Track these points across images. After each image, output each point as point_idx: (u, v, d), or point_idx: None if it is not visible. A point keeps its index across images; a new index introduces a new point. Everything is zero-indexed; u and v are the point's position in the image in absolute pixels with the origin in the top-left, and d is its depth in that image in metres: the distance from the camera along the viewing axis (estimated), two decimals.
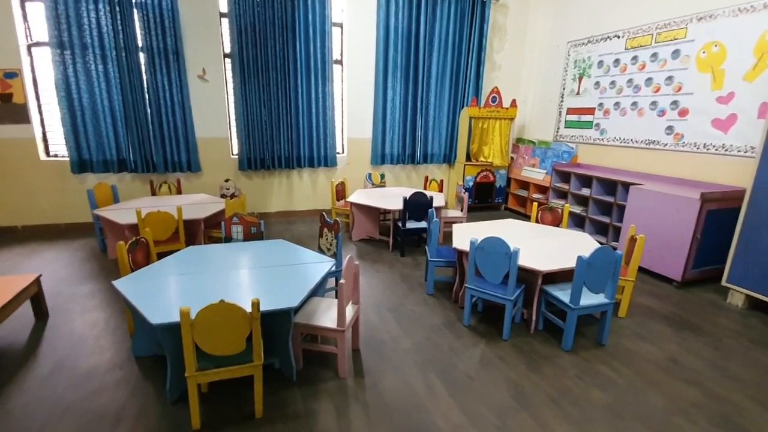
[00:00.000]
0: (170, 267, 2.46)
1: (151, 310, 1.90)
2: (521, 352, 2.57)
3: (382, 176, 5.62)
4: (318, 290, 2.64)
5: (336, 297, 3.02)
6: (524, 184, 6.46)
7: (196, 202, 4.22)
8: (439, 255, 3.34)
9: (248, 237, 3.17)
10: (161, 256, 3.19)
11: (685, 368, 2.47)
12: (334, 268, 2.68)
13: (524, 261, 2.69)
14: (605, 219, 4.77)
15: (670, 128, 4.46)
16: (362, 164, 6.05)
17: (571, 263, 2.70)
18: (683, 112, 4.31)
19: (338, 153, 5.93)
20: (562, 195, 5.50)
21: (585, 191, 5.09)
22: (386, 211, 5.01)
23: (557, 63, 6.03)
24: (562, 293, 2.67)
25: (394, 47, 5.70)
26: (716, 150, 4.03)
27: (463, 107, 6.29)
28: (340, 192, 5.20)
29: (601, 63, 5.29)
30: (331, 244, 3.04)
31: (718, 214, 3.61)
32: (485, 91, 6.41)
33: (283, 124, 5.35)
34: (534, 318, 2.80)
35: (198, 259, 2.61)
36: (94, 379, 2.19)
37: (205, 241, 3.84)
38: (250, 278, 2.32)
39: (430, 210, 3.41)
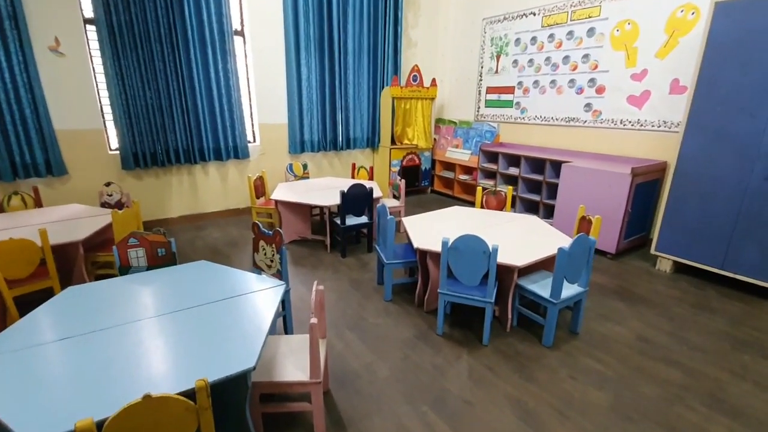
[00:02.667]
0: (43, 327, 1.66)
1: (19, 418, 1.18)
2: (506, 357, 2.33)
3: (305, 166, 5.00)
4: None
5: (287, 330, 2.45)
6: (449, 166, 6.36)
7: (68, 217, 3.18)
8: (395, 255, 2.95)
9: (154, 262, 2.40)
10: (23, 304, 2.29)
11: (656, 346, 2.48)
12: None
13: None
14: (535, 197, 4.85)
15: (588, 105, 4.63)
16: (279, 154, 5.32)
17: (539, 252, 2.53)
18: (600, 90, 4.49)
19: (250, 142, 5.11)
20: (491, 175, 5.50)
21: (513, 170, 5.12)
22: (316, 207, 4.44)
23: (473, 40, 5.93)
24: (538, 287, 2.49)
25: (304, 17, 5.00)
26: (632, 125, 4.26)
27: (383, 87, 5.89)
28: (260, 188, 4.47)
29: (518, 41, 5.30)
30: (272, 260, 2.44)
31: (643, 187, 3.81)
32: (404, 69, 6.08)
33: (176, 109, 4.36)
34: (510, 316, 2.60)
35: (86, 308, 1.82)
36: None
37: (88, 272, 2.89)
38: (175, 330, 1.65)
39: (380, 205, 2.99)
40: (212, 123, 4.67)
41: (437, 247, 2.57)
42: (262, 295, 1.97)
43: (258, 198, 4.42)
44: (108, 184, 3.69)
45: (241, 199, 5.14)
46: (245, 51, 4.90)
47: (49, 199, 3.95)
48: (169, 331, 1.64)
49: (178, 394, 1.16)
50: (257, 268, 2.57)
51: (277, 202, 3.98)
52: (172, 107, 4.33)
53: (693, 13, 3.65)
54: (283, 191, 4.15)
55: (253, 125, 5.15)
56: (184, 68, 4.31)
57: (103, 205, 3.65)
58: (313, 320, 1.58)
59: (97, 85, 4.07)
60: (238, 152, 4.91)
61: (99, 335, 1.61)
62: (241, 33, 4.82)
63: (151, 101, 4.19)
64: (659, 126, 4.04)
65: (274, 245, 2.41)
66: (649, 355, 2.39)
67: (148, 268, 2.35)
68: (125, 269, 2.31)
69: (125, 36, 3.94)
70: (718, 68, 3.07)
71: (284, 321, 2.44)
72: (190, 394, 1.22)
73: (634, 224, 3.93)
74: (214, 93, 4.57)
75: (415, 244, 2.67)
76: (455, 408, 1.93)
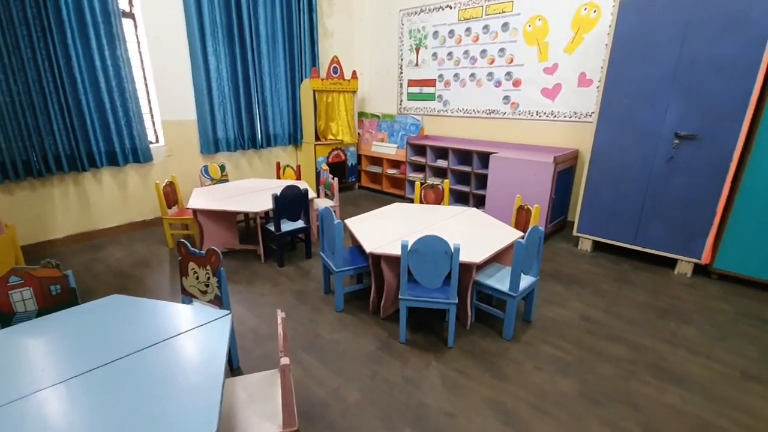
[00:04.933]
0: None
1: None
2: (474, 357, 2.29)
3: (222, 168, 4.48)
4: None
5: (232, 365, 2.10)
6: (376, 160, 6.25)
7: None
8: (344, 262, 2.74)
9: (47, 304, 1.88)
10: None
11: (598, 324, 2.64)
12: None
13: None
14: (464, 188, 4.97)
15: (507, 98, 4.84)
16: (190, 155, 4.69)
17: (492, 246, 2.53)
18: (517, 83, 4.71)
19: (152, 143, 4.41)
20: (419, 168, 5.51)
21: (441, 163, 5.18)
22: (241, 213, 3.99)
23: (392, 32, 5.85)
24: (496, 281, 2.49)
25: None
26: (547, 116, 4.55)
27: (302, 79, 5.53)
28: (170, 195, 3.88)
29: (436, 34, 5.34)
30: (207, 285, 2.07)
31: (562, 174, 4.09)
32: (322, 60, 5.78)
33: (53, 106, 3.56)
34: (469, 313, 2.56)
35: None
36: None
37: None
38: (93, 398, 1.26)
39: (324, 208, 2.73)
40: (102, 122, 3.91)
41: (392, 250, 2.43)
42: (205, 330, 1.64)
43: (170, 207, 3.84)
44: None
45: (147, 209, 4.43)
46: (137, 36, 4.18)
47: None
48: (84, 400, 1.25)
49: None
50: (187, 296, 2.17)
51: (195, 211, 3.47)
52: (48, 104, 3.51)
53: (595, 12, 3.97)
54: (202, 198, 3.65)
55: (154, 123, 4.45)
56: (61, 56, 3.52)
57: None
58: (285, 360, 1.32)
59: None
60: (139, 155, 4.20)
61: None
62: (130, 15, 4.10)
63: (18, 98, 3.34)
64: (570, 117, 4.36)
65: (209, 267, 2.04)
66: (596, 335, 2.53)
67: (39, 313, 1.84)
68: (7, 317, 1.77)
69: None
70: (624, 63, 3.36)
71: (229, 362, 2.09)
72: None
73: (556, 209, 4.21)
74: (102, 86, 3.82)
75: (368, 249, 2.49)
76: (438, 423, 1.81)
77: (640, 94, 3.33)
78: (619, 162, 3.55)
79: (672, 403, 1.96)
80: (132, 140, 4.13)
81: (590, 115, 4.19)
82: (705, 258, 3.26)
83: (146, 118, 4.32)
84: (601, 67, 3.91)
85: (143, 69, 4.27)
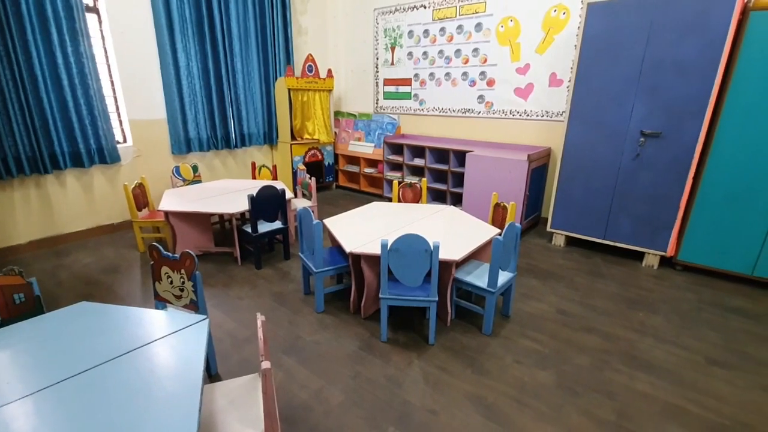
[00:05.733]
0: None
1: None
2: (455, 354, 2.32)
3: (195, 168, 4.35)
4: None
5: (210, 371, 2.05)
6: (353, 159, 6.23)
7: None
8: (324, 263, 2.71)
9: (11, 314, 1.78)
10: None
11: (573, 317, 2.72)
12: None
13: None
14: (442, 186, 5.01)
15: (481, 97, 4.91)
16: (160, 155, 4.53)
17: (471, 244, 2.56)
18: (491, 82, 4.79)
19: (119, 143, 4.25)
20: (397, 167, 5.52)
21: (418, 161, 5.21)
22: (216, 215, 3.89)
23: (367, 31, 5.83)
24: (475, 278, 2.52)
25: None
26: (520, 116, 4.65)
27: (276, 77, 5.44)
28: (140, 197, 3.75)
29: (411, 33, 5.36)
30: (182, 290, 2.01)
31: (536, 172, 4.19)
32: (297, 58, 5.71)
33: (12, 105, 3.36)
34: (449, 310, 2.59)
35: None
36: None
37: None
38: (62, 412, 1.20)
39: (302, 208, 2.70)
40: (65, 121, 3.73)
41: (372, 250, 2.43)
42: (181, 336, 1.60)
43: (140, 210, 3.71)
44: None
45: (115, 212, 4.26)
46: (102, 32, 4.01)
47: None
48: (53, 414, 1.19)
49: None
50: (161, 301, 2.11)
51: (167, 213, 3.36)
52: (7, 104, 3.32)
53: (564, 13, 4.08)
54: (174, 199, 3.54)
55: (121, 122, 4.28)
56: (20, 53, 3.33)
57: None
58: (266, 364, 1.30)
59: None
60: (105, 156, 4.03)
61: None
62: (94, 9, 3.93)
63: None
64: (542, 116, 4.47)
65: (183, 271, 1.98)
66: (571, 327, 2.61)
67: (2, 323, 1.74)
68: None
69: None
70: (592, 63, 3.47)
71: (206, 360, 2.04)
72: None
73: (531, 206, 4.31)
74: (65, 83, 3.65)
75: (348, 249, 2.48)
76: (422, 421, 1.82)
77: (608, 93, 3.44)
78: (589, 159, 3.66)
79: (643, 390, 2.04)
80: (98, 140, 3.96)
81: (561, 114, 4.31)
82: (670, 250, 3.42)
83: (113, 117, 4.15)
84: (571, 68, 4.05)
85: (108, 66, 4.10)
